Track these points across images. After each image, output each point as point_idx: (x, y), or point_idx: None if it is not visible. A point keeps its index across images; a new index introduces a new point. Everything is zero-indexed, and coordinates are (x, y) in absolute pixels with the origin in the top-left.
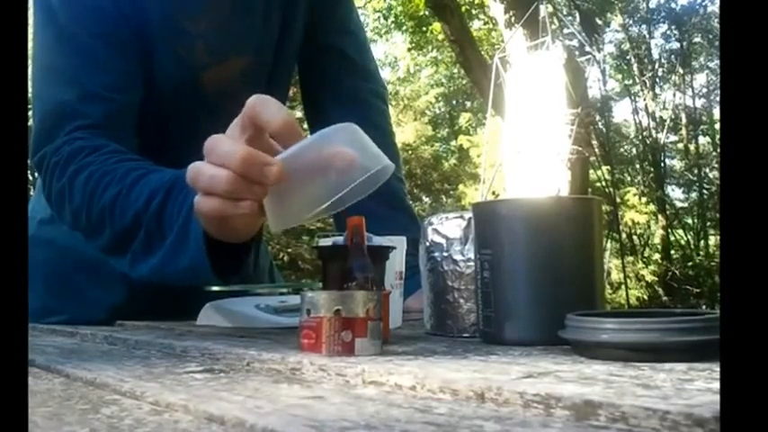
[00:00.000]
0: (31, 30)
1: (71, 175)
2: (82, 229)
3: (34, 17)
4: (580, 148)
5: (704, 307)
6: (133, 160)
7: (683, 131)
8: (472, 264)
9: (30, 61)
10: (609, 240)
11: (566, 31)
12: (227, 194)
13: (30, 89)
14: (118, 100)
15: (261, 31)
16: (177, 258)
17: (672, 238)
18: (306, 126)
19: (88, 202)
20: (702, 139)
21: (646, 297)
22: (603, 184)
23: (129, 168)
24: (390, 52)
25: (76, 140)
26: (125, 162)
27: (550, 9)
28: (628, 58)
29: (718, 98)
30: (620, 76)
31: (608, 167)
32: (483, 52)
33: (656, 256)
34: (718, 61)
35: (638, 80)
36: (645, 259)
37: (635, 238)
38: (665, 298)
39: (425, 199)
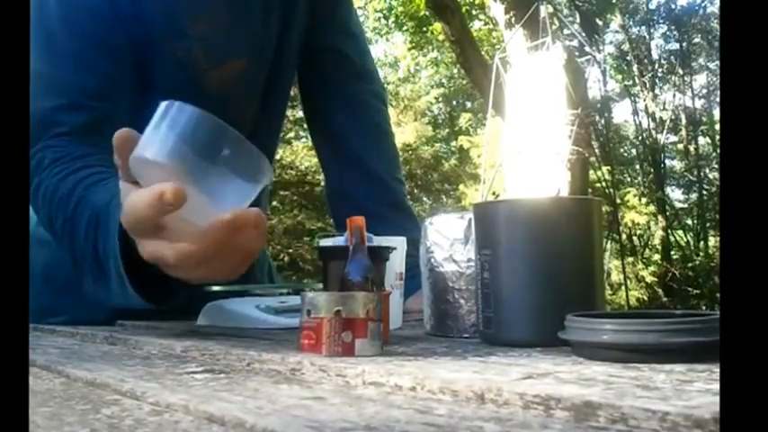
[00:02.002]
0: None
1: (35, 189)
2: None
3: (31, 21)
4: (580, 149)
5: (704, 308)
6: (83, 169)
7: (683, 132)
8: (472, 264)
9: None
10: (609, 241)
11: (566, 31)
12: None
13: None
14: (99, 108)
15: (260, 33)
16: (125, 298)
17: (672, 239)
18: (306, 126)
19: (48, 221)
20: (702, 140)
21: (646, 298)
22: (603, 184)
23: (71, 188)
24: (390, 52)
25: (47, 149)
26: (78, 172)
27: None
28: (628, 58)
29: (718, 99)
30: (620, 77)
31: (608, 168)
32: (483, 52)
33: (656, 257)
34: (717, 62)
35: (637, 81)
36: (645, 260)
37: (635, 238)
38: (664, 299)
39: (426, 199)
